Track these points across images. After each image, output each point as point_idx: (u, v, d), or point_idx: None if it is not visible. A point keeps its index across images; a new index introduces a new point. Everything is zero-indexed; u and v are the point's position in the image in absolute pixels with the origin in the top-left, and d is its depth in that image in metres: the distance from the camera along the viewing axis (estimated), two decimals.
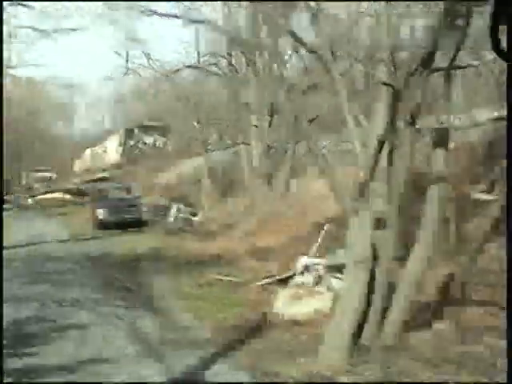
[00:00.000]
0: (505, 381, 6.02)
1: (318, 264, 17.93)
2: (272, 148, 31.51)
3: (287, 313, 15.02)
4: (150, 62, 36.92)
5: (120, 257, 26.40)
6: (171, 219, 36.78)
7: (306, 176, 30.85)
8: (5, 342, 12.64)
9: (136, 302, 17.46)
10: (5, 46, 56.29)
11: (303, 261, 19.18)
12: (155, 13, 32.80)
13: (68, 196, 63.58)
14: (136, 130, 66.77)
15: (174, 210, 37.17)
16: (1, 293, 14.56)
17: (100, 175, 62.83)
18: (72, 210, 54.45)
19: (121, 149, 68.23)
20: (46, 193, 65.35)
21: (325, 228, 19.35)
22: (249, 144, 33.83)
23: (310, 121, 30.74)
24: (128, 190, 42.17)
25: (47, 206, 59.27)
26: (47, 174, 77.33)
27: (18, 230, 38.02)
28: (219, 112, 39.86)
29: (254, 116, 32.21)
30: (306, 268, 18.06)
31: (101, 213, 37.75)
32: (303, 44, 14.74)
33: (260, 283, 18.92)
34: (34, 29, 55.04)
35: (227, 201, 36.17)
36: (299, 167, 31.36)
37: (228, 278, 20.20)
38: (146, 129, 65.60)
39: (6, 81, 65.37)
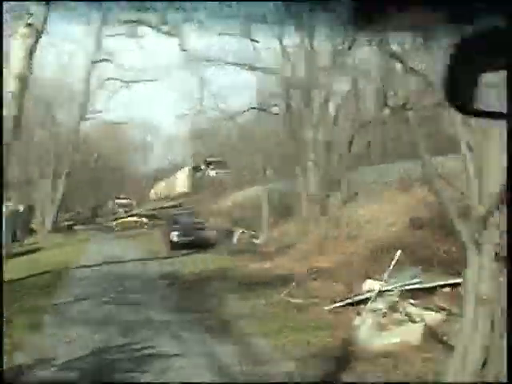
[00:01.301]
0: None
1: (391, 290, 14.59)
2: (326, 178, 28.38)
3: (375, 343, 11.65)
4: (218, 104, 33.90)
5: (192, 276, 23.23)
6: (235, 241, 33.74)
7: (357, 202, 27.72)
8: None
9: (213, 325, 14.28)
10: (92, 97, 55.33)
11: (374, 285, 16.10)
12: (223, 62, 30.14)
13: (145, 219, 61.43)
14: (202, 165, 65.17)
15: (237, 233, 34.29)
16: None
17: (172, 203, 61.08)
18: (147, 232, 52.37)
19: (189, 180, 66.41)
20: (127, 217, 64.03)
21: (397, 254, 15.94)
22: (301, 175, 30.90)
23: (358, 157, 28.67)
24: (196, 215, 39.85)
25: (127, 228, 57.55)
26: (128, 201, 77.30)
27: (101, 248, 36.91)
28: (279, 148, 37.21)
29: (311, 152, 29.18)
30: (379, 293, 14.68)
31: (175, 235, 35.03)
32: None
33: (333, 306, 15.69)
34: (119, 80, 53.91)
35: (284, 225, 33.07)
36: (351, 194, 28.27)
37: (297, 301, 16.92)
38: (209, 163, 63.82)
39: (94, 125, 65.15)
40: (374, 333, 12.10)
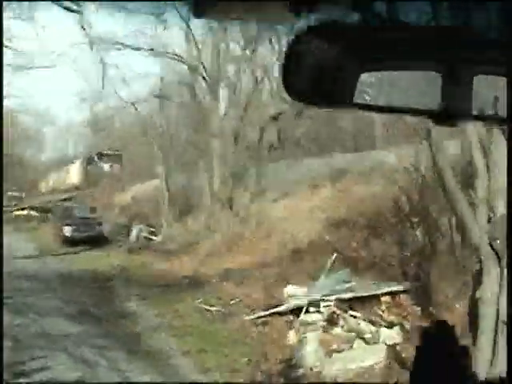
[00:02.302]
0: None
1: (327, 300, 12.47)
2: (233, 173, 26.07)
3: (325, 369, 9.44)
4: (119, 91, 31.01)
5: (91, 275, 20.65)
6: (133, 238, 31.16)
7: (265, 199, 25.60)
8: None
9: (120, 340, 11.84)
10: None
11: (296, 291, 14.14)
12: (125, 46, 27.46)
13: (34, 213, 57.95)
14: (95, 157, 61.76)
15: (135, 230, 31.70)
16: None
17: (64, 196, 58.18)
18: (37, 226, 49.81)
19: (81, 173, 63.18)
20: (16, 210, 60.57)
21: (333, 257, 13.91)
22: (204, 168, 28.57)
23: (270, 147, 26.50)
24: (92, 210, 36.97)
25: (17, 221, 53.85)
26: (18, 194, 73.49)
27: None
28: (180, 139, 34.65)
29: (217, 143, 26.84)
30: (312, 303, 12.56)
31: (67, 230, 32.43)
32: None
33: (254, 316, 13.50)
34: (11, 65, 50.42)
35: (185, 222, 30.63)
36: (259, 191, 26.07)
37: (214, 309, 14.65)
38: (103, 156, 60.69)
39: None
40: (321, 355, 9.92)
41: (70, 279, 20.33)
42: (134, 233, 31.99)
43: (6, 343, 11.61)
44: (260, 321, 13.30)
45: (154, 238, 30.72)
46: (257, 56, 26.15)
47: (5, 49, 47.65)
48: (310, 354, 9.98)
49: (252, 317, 13.62)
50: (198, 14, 1.89)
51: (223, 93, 28.35)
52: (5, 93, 53.17)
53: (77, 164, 66.08)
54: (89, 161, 62.99)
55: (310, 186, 25.33)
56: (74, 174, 65.59)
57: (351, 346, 10.09)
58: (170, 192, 32.72)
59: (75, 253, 28.79)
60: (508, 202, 3.93)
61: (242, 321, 13.49)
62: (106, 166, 59.81)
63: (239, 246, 22.88)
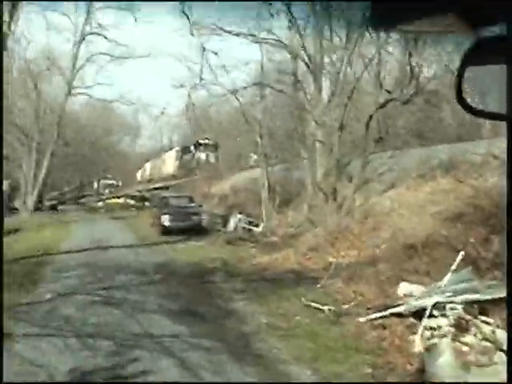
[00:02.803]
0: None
1: (453, 302, 11.14)
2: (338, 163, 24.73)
3: None
4: (217, 77, 29.94)
5: (190, 268, 19.78)
6: (231, 228, 30.23)
7: (370, 191, 24.27)
8: None
9: (225, 342, 10.78)
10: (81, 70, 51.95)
11: (412, 289, 12.91)
12: (226, 31, 26.49)
13: (131, 201, 58.85)
14: (191, 147, 61.12)
15: (233, 220, 30.72)
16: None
17: (161, 184, 57.82)
18: (135, 214, 49.26)
19: (177, 162, 63.08)
20: (112, 198, 61.18)
21: (460, 255, 12.59)
22: (308, 159, 27.26)
23: (378, 140, 25.09)
24: (190, 199, 35.98)
25: (113, 209, 55.30)
26: (114, 182, 74.16)
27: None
28: (281, 128, 33.58)
29: (320, 132, 25.60)
30: (437, 305, 11.24)
31: (166, 219, 31.78)
32: None
33: (370, 317, 12.26)
34: (108, 55, 50.49)
35: (286, 213, 29.51)
36: (363, 182, 24.70)
37: (325, 308, 13.45)
38: (199, 145, 59.46)
39: (81, 102, 61.87)
40: (457, 367, 8.61)
41: (168, 272, 19.44)
42: (231, 223, 31.04)
43: (103, 343, 10.73)
44: (377, 323, 12.05)
45: (253, 228, 29.63)
46: (360, 46, 24.78)
47: (99, 38, 48.22)
48: (444, 365, 8.67)
49: (368, 318, 12.38)
50: (375, 26, 2.29)
51: (326, 80, 27.10)
52: (100, 81, 53.78)
53: (172, 153, 66.41)
54: (184, 150, 62.67)
55: (417, 178, 23.87)
56: (169, 164, 65.65)
57: (490, 359, 8.71)
58: (270, 182, 31.61)
59: (173, 242, 27.93)
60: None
61: (356, 322, 12.25)
62: (203, 156, 58.86)
63: (344, 240, 21.62)
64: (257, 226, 29.75)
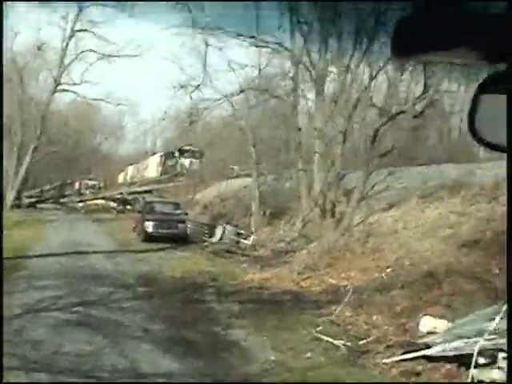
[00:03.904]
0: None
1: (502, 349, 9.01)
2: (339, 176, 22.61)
3: None
4: (211, 80, 27.45)
5: (177, 282, 17.55)
6: (217, 239, 27.92)
7: (372, 209, 22.18)
8: None
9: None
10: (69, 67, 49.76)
11: (438, 325, 10.96)
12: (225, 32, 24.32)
13: (113, 204, 57.36)
14: (175, 152, 59.17)
15: (220, 230, 28.39)
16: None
17: (145, 188, 56.27)
18: (115, 217, 46.97)
19: (160, 167, 61.92)
20: (93, 199, 58.95)
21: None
22: (305, 170, 25.01)
23: (384, 154, 22.90)
24: (176, 206, 33.56)
25: (93, 211, 53.65)
26: (96, 183, 72.14)
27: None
28: (276, 137, 31.38)
29: (318, 142, 23.47)
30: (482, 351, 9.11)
31: (150, 225, 29.28)
32: None
33: (393, 359, 10.12)
34: (97, 52, 48.26)
35: (277, 226, 27.24)
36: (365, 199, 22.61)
37: (339, 342, 11.29)
38: (183, 151, 57.75)
39: (67, 99, 59.56)
40: None
41: (153, 285, 17.18)
42: (218, 233, 28.69)
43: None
44: (405, 367, 9.89)
45: (243, 240, 27.29)
46: (367, 56, 22.69)
47: (90, 34, 46.02)
48: None
49: (391, 360, 10.21)
50: (397, 57, 2.16)
51: (329, 89, 24.95)
52: (88, 79, 51.58)
53: (156, 158, 64.92)
54: (168, 155, 61.13)
55: (422, 198, 21.82)
56: (152, 168, 64.28)
57: None
58: (261, 192, 29.31)
59: (157, 251, 25.69)
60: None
61: (381, 364, 10.08)
62: (186, 162, 56.98)
63: (344, 260, 19.51)
64: (246, 238, 27.40)
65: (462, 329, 10.89)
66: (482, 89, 2.01)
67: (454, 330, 11.04)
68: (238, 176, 40.33)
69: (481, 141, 2.02)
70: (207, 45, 25.69)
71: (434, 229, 18.63)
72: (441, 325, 11.80)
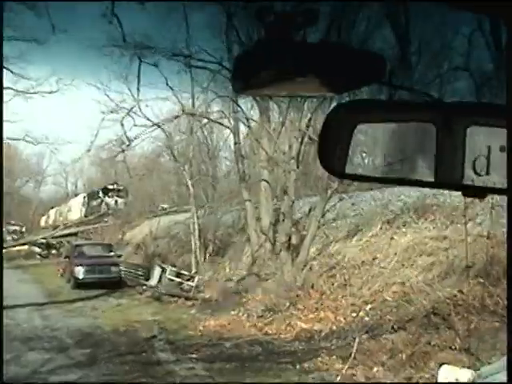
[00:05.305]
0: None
1: None
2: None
3: None
4: (141, 108, 24.15)
5: (121, 338, 14.47)
6: (155, 281, 24.78)
7: (332, 239, 19.58)
8: None
9: None
10: None
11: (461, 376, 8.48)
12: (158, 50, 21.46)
13: (36, 249, 52.92)
14: (99, 192, 56.44)
15: (157, 271, 25.27)
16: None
17: (69, 231, 52.58)
18: (40, 263, 44.11)
19: (84, 208, 58.07)
20: (16, 245, 55.73)
21: None
22: (250, 200, 22.18)
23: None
24: (108, 248, 30.49)
25: (16, 257, 49.14)
26: (17, 228, 68.86)
27: None
28: (216, 166, 28.61)
29: (266, 171, 20.79)
30: None
31: (80, 271, 26.05)
32: None
33: None
34: (11, 89, 44.73)
35: (222, 265, 24.23)
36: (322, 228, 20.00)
37: None
38: (107, 190, 54.96)
39: None
40: None
41: (93, 345, 14.06)
42: (156, 274, 25.52)
43: None
44: None
45: (186, 282, 24.07)
46: None
47: (5, 70, 42.56)
48: None
49: None
50: (237, 90, 2.05)
51: (276, 111, 22.27)
52: (5, 118, 47.99)
53: (79, 199, 61.72)
54: (92, 195, 58.31)
55: (387, 224, 19.31)
56: (76, 210, 60.58)
57: None
58: (201, 228, 26.23)
59: (90, 299, 22.65)
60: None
61: None
62: (111, 201, 54.38)
63: (308, 298, 16.76)
64: (190, 279, 24.13)
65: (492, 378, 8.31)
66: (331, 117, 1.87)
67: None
68: (167, 213, 37.70)
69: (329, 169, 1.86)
70: (140, 64, 22.31)
71: (411, 257, 16.10)
72: (463, 375, 9.12)
